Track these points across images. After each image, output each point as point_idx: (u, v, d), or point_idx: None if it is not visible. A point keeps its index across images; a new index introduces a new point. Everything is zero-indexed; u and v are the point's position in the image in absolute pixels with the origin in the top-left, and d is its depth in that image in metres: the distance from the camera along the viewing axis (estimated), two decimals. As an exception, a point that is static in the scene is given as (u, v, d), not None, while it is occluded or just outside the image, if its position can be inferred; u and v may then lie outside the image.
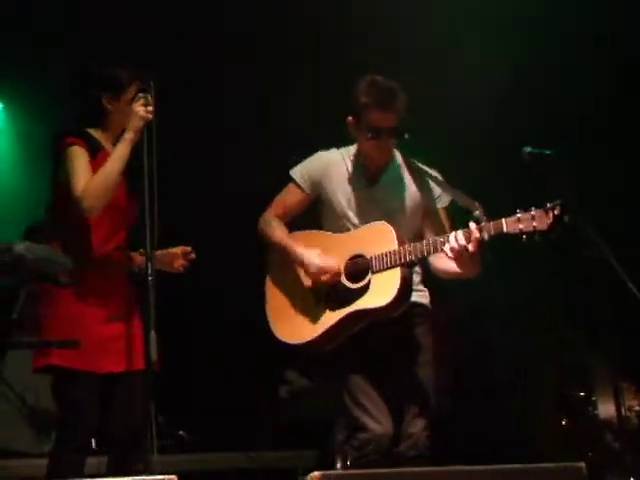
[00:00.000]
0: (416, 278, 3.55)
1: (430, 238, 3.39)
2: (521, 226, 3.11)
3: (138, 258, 3.59)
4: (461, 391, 6.42)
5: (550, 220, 3.07)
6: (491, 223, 3.19)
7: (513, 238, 3.15)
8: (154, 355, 3.05)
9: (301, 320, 3.55)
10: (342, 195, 3.61)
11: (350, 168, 3.63)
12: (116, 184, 3.36)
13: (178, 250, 3.70)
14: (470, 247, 3.20)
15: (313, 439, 5.41)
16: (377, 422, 3.41)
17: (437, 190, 3.58)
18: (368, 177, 3.62)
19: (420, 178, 3.58)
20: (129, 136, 3.37)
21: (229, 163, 6.17)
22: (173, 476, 2.47)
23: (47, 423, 5.41)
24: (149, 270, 3.13)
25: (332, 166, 3.64)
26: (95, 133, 3.53)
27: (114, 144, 3.45)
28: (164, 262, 3.64)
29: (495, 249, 3.33)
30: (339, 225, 3.61)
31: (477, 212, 3.24)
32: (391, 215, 3.53)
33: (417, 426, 3.46)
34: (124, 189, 3.51)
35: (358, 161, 3.64)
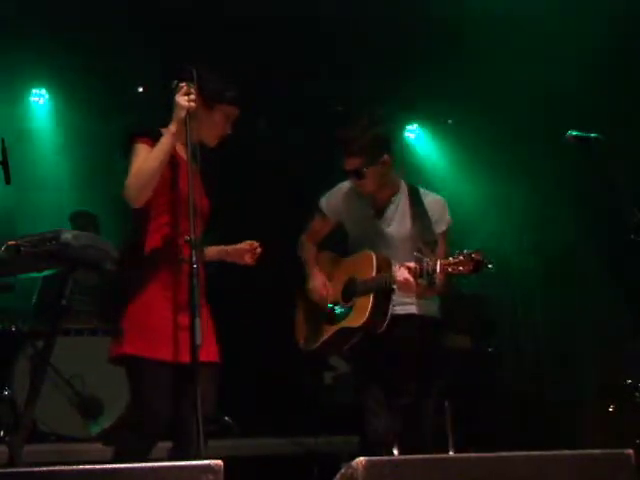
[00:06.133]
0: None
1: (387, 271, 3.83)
2: (450, 269, 3.59)
3: (212, 250, 3.63)
4: (507, 378, 6.39)
5: (471, 266, 3.54)
6: (430, 261, 3.63)
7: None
8: (199, 340, 3.06)
9: (309, 330, 4.16)
10: (355, 224, 4.10)
11: (360, 200, 4.06)
12: (156, 174, 3.29)
13: (246, 246, 3.65)
14: (411, 279, 3.66)
15: (358, 425, 5.41)
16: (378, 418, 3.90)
17: (435, 217, 3.97)
18: (375, 209, 4.05)
19: (420, 208, 3.98)
20: (172, 127, 3.31)
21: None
22: (219, 461, 2.47)
23: (93, 409, 5.49)
24: (193, 258, 3.13)
25: (348, 197, 4.10)
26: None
27: (184, 143, 3.36)
28: (235, 256, 3.66)
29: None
30: (354, 247, 4.11)
31: (417, 252, 3.71)
32: (393, 244, 3.99)
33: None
34: (199, 183, 3.48)
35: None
